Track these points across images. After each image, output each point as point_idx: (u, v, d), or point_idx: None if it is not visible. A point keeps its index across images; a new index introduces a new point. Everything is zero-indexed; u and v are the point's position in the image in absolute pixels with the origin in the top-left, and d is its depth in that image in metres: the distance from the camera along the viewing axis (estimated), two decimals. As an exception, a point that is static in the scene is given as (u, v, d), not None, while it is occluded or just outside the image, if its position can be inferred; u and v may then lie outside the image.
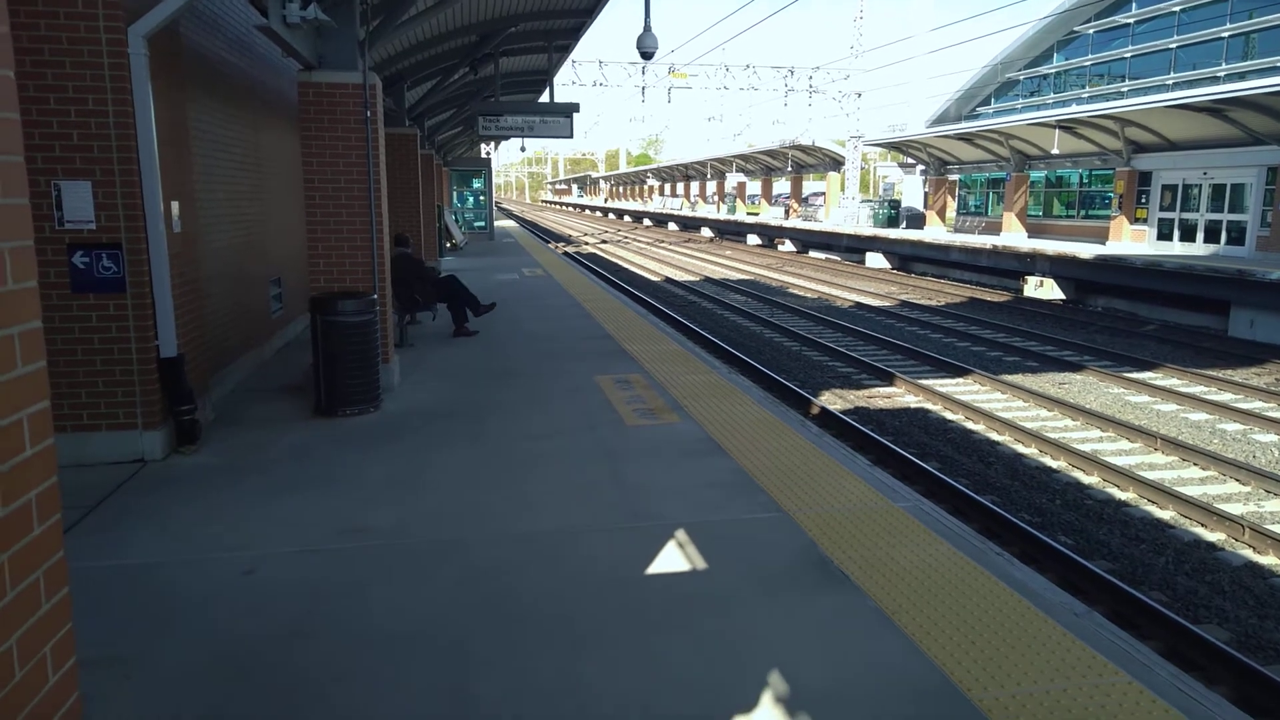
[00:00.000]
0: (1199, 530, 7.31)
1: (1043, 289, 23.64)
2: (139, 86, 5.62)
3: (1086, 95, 35.95)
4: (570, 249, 40.60)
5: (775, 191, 54.82)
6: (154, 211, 5.80)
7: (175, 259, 6.15)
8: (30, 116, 5.45)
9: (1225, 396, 12.02)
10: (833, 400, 11.62)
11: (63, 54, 5.48)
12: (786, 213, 49.77)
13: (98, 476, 5.66)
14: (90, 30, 5.50)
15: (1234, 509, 7.66)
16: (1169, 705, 3.20)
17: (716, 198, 62.07)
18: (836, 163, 42.94)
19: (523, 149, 44.44)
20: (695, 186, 68.64)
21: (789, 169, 48.62)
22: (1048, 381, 12.88)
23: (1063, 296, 23.27)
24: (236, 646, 3.60)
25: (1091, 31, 36.29)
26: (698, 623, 3.79)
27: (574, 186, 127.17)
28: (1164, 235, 25.28)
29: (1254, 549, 6.92)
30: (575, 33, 16.03)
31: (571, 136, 17.49)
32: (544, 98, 20.08)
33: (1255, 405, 11.52)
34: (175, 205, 6.34)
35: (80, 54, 5.50)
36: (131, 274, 5.80)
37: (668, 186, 77.74)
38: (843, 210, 40.71)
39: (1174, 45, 32.39)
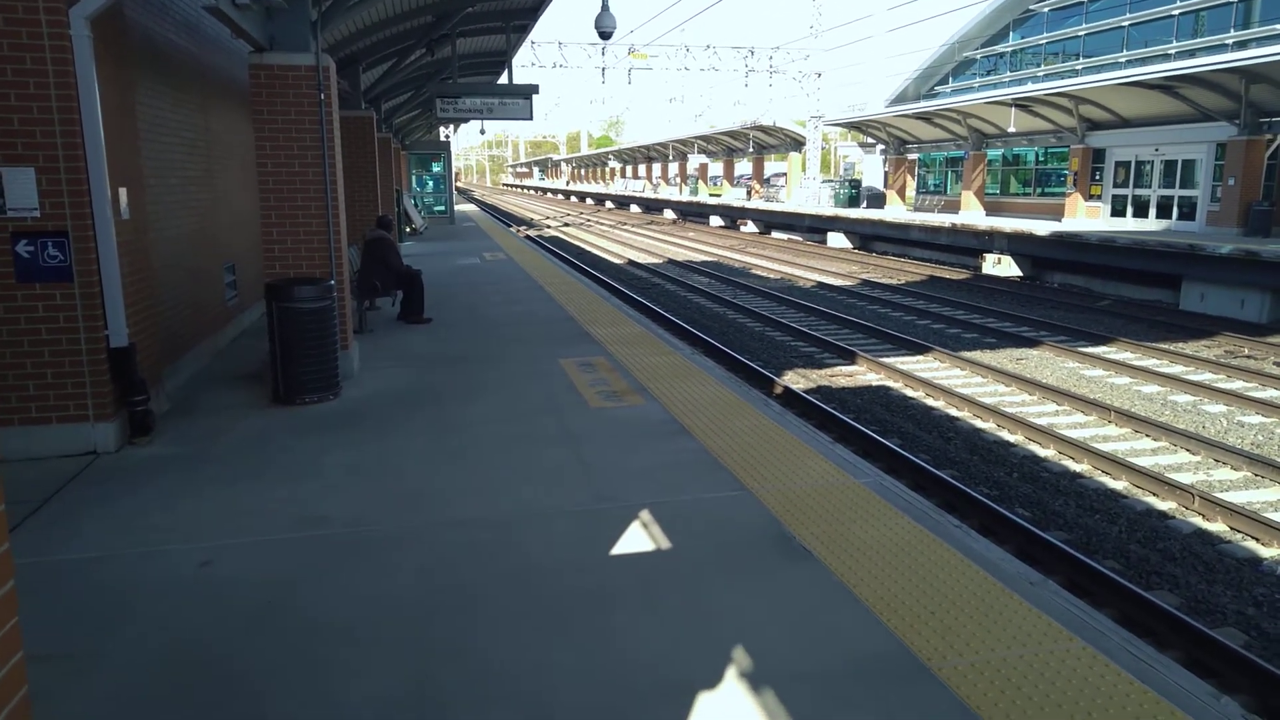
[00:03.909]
0: (1151, 500, 7.49)
1: (1000, 266, 23.97)
2: (83, 70, 5.46)
3: (1042, 74, 36.38)
4: (532, 232, 40.34)
5: (737, 173, 54.87)
6: (101, 198, 5.66)
7: (124, 246, 6.01)
8: (-33, 101, 5.28)
9: (1176, 369, 12.29)
10: (795, 379, 11.71)
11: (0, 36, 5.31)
12: (749, 194, 49.86)
13: (49, 470, 5.54)
14: (30, 11, 5.34)
15: (1184, 478, 7.85)
16: (1121, 669, 3.28)
17: (679, 179, 61.98)
18: (797, 143, 43.05)
19: (482, 131, 43.96)
20: (657, 168, 68.46)
21: (750, 150, 48.66)
22: (1005, 357, 13.08)
23: (1020, 273, 23.62)
24: (194, 638, 3.55)
25: (1046, 10, 36.66)
26: (663, 601, 3.81)
27: (535, 169, 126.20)
28: (1118, 211, 25.73)
29: (1203, 516, 7.11)
30: (533, 12, 15.85)
31: (531, 118, 17.35)
32: (503, 79, 19.88)
33: (1205, 377, 11.79)
34: (123, 192, 6.19)
35: (19, 36, 5.34)
36: (79, 262, 5.66)
37: (629, 169, 77.44)
38: (804, 190, 40.88)
39: (1126, 23, 32.82)
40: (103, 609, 3.81)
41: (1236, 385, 11.32)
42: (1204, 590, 6.01)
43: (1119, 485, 7.81)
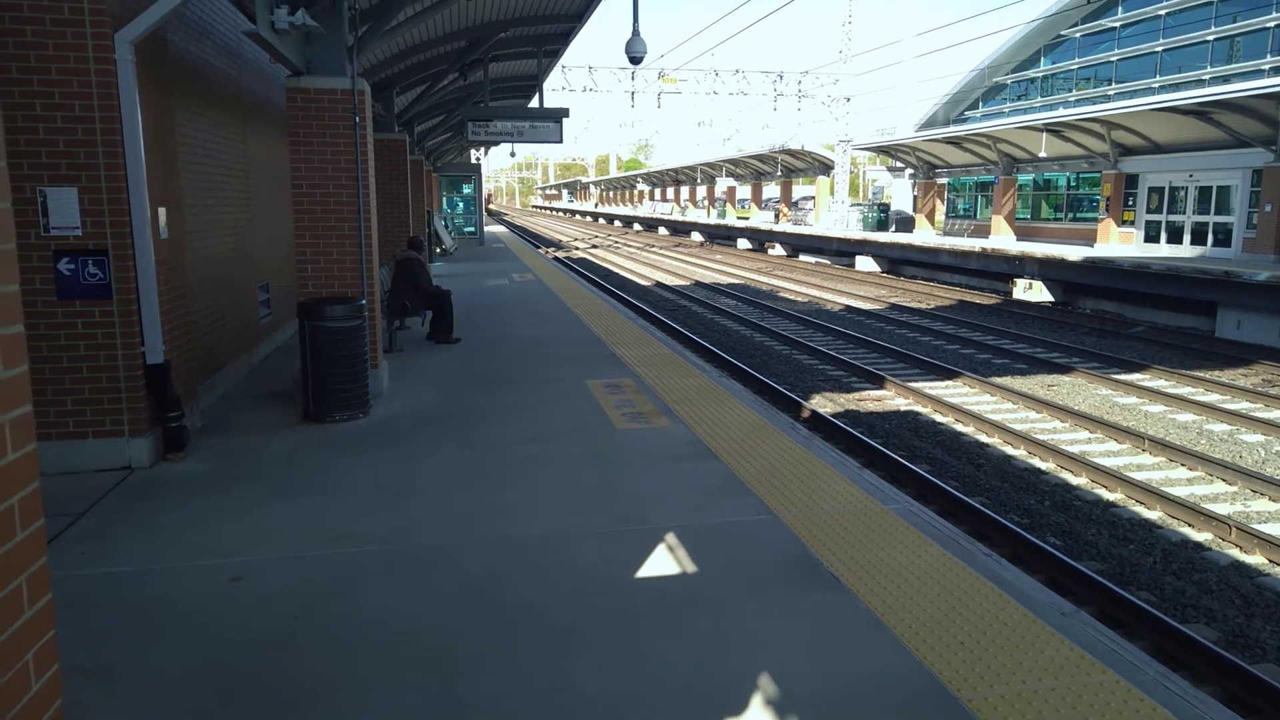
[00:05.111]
0: (1186, 530, 7.35)
1: (1031, 291, 23.75)
2: (126, 93, 5.60)
3: (1073, 98, 36.19)
4: (560, 254, 40.60)
5: (765, 196, 54.95)
6: (141, 217, 5.78)
7: (162, 265, 6.12)
8: (15, 122, 5.43)
9: (1212, 397, 12.09)
10: (823, 403, 11.64)
11: (49, 60, 5.46)
12: (776, 217, 49.88)
13: (84, 484, 5.63)
14: (77, 36, 5.48)
15: (1221, 509, 7.70)
16: (1157, 704, 3.21)
17: (707, 202, 62.13)
18: (826, 167, 43.07)
19: (513, 154, 44.43)
20: (685, 191, 68.74)
21: (779, 173, 48.74)
22: (1037, 383, 12.93)
23: (1051, 299, 23.38)
24: (225, 654, 3.58)
25: (1078, 35, 36.53)
26: (688, 625, 3.79)
27: (564, 192, 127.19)
28: (1151, 237, 25.44)
29: (1240, 549, 6.96)
30: (565, 38, 16.05)
31: (561, 141, 17.54)
32: (534, 103, 20.11)
33: (1242, 406, 11.58)
34: (162, 211, 6.32)
35: (66, 60, 5.48)
36: (118, 280, 5.78)
37: (658, 191, 77.83)
38: (832, 214, 40.83)
39: (1160, 49, 32.62)
40: (135, 623, 3.85)
41: (1274, 415, 11.10)
42: (1242, 624, 5.87)
43: (1153, 515, 7.67)
